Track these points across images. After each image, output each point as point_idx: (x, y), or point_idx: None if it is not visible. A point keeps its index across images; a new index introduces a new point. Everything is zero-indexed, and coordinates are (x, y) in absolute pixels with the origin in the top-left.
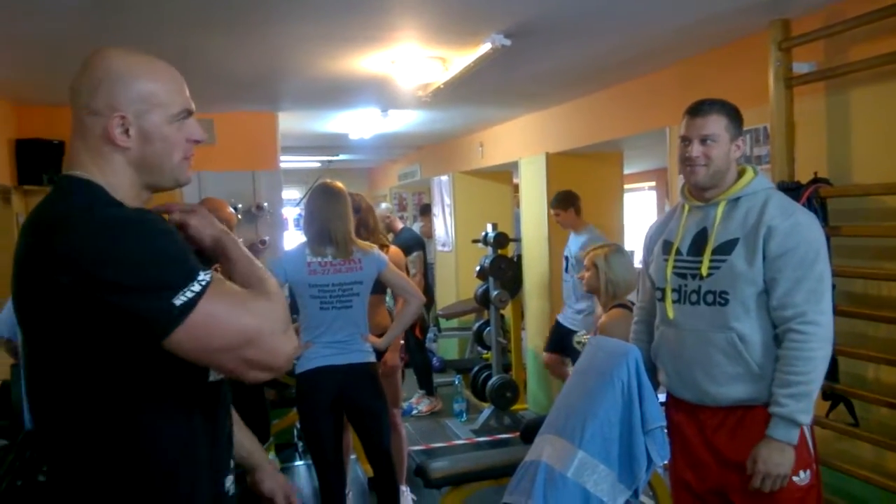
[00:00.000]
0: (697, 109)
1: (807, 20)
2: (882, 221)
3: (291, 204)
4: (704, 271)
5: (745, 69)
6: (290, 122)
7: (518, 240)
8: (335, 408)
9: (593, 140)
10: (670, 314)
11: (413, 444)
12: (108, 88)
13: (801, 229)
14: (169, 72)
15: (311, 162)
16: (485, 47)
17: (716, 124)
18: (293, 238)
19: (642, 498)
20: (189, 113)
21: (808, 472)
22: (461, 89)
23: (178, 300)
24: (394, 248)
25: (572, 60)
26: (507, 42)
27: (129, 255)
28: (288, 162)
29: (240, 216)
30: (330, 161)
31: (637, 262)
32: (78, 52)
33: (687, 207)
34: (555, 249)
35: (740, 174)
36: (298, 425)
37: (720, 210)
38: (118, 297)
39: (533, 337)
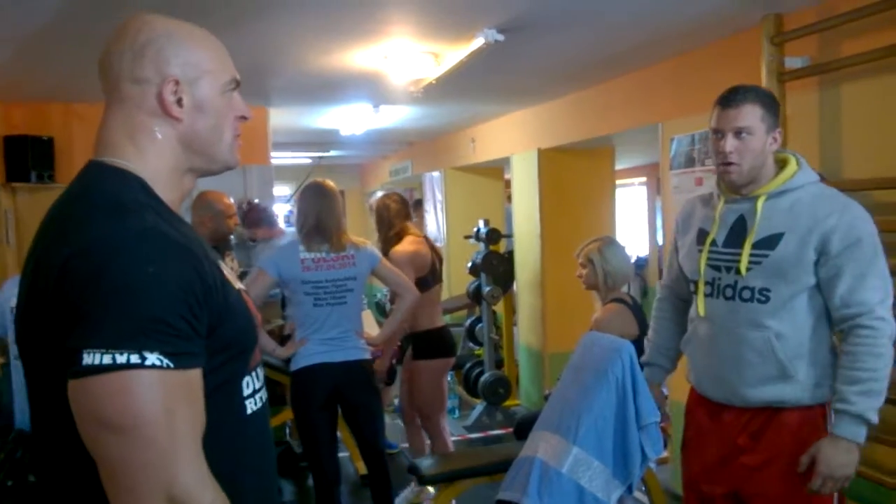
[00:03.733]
0: (730, 99)
1: (799, 15)
2: (874, 216)
3: (282, 200)
4: (743, 267)
5: (738, 64)
6: (281, 118)
7: (510, 236)
8: (330, 405)
9: (585, 136)
10: (701, 310)
11: (405, 441)
12: (155, 52)
13: (860, 224)
14: (213, 38)
15: (301, 158)
16: (478, 42)
17: (751, 115)
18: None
19: (635, 493)
20: (237, 83)
21: None
22: (453, 85)
23: (93, 357)
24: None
25: (565, 56)
26: (501, 37)
27: (113, 282)
28: (279, 158)
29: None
30: (321, 157)
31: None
32: (66, 47)
33: (722, 199)
34: (547, 245)
35: (781, 164)
36: (290, 423)
37: (760, 203)
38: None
39: (525, 333)
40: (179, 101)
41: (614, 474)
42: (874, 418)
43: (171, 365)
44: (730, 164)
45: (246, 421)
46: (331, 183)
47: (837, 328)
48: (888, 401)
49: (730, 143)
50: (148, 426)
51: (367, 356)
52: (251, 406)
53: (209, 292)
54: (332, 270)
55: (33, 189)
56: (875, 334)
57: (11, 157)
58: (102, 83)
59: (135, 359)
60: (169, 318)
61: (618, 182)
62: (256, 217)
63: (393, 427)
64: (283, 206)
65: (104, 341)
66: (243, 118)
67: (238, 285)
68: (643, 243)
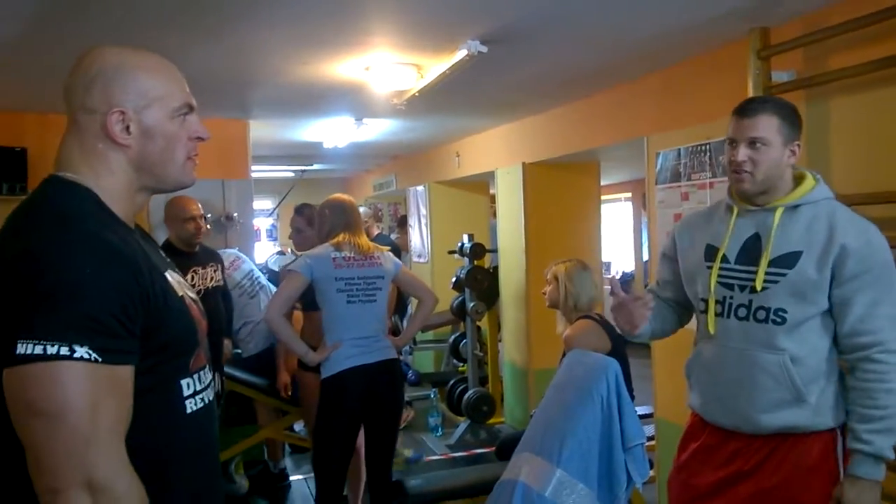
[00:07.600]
0: (746, 109)
1: (786, 28)
2: None
3: (264, 214)
4: (759, 285)
5: (725, 78)
6: (263, 131)
7: (494, 251)
8: (359, 411)
9: (569, 150)
10: (711, 329)
11: None
12: (103, 84)
13: (878, 250)
14: (166, 65)
15: (284, 172)
16: (461, 54)
17: (766, 126)
18: (265, 249)
19: None
20: (191, 108)
21: None
22: (437, 98)
23: (25, 347)
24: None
25: (549, 68)
26: (484, 49)
27: (57, 279)
28: (261, 171)
29: (209, 226)
30: (304, 171)
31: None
32: (39, 58)
33: (736, 210)
34: (532, 261)
35: (798, 180)
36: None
37: (777, 216)
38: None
39: (510, 349)
40: (127, 129)
41: (599, 497)
42: (891, 455)
43: (99, 359)
44: (742, 171)
45: (186, 419)
46: (349, 197)
47: (845, 357)
48: None
49: (742, 152)
50: (72, 414)
51: (396, 356)
52: (191, 406)
53: (146, 297)
54: (363, 269)
55: (5, 200)
56: (886, 369)
57: None
58: (66, 109)
59: (64, 350)
60: (101, 317)
61: (603, 198)
62: None
63: None
64: (265, 221)
65: (37, 333)
66: (200, 139)
67: (183, 293)
68: (629, 259)
